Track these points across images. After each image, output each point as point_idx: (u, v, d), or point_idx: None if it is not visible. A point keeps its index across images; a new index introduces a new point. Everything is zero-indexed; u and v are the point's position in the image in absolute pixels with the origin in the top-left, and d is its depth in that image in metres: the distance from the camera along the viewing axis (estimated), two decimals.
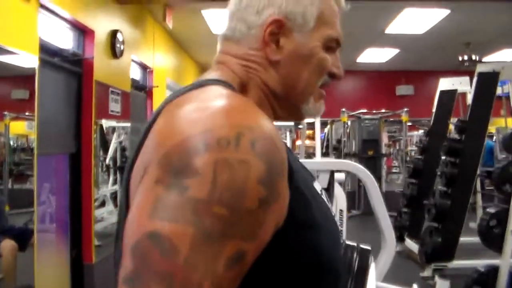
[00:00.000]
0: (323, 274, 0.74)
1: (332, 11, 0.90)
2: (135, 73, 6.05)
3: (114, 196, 5.06)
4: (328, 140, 11.56)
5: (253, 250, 0.63)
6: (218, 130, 0.63)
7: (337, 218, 4.46)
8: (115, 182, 5.10)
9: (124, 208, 0.74)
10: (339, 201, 4.45)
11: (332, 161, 5.28)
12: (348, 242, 1.38)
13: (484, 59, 8.64)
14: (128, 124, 5.37)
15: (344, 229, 4.53)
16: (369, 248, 1.39)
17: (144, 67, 6.43)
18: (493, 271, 4.11)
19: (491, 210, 4.44)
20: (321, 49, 0.88)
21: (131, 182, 0.72)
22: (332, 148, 11.06)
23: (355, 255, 1.34)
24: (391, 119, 11.51)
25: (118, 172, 5.21)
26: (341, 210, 4.53)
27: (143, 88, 6.37)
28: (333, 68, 0.91)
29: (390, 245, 2.27)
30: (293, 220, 0.69)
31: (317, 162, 3.17)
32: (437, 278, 2.75)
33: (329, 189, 2.45)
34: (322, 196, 0.90)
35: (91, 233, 4.35)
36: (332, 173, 2.55)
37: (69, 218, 4.28)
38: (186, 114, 0.69)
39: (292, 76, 0.88)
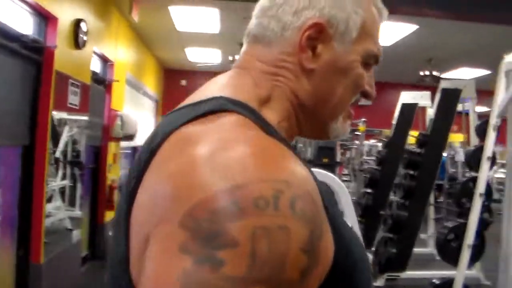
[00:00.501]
0: None
1: (375, 23, 0.81)
2: (95, 66, 5.84)
3: (62, 191, 4.84)
4: None
5: None
6: (253, 186, 0.54)
7: None
8: (64, 177, 4.89)
9: (123, 235, 0.64)
10: None
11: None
12: None
13: (443, 76, 8.86)
14: (80, 117, 5.15)
15: None
16: None
17: (105, 60, 6.22)
18: (448, 283, 4.16)
19: (449, 224, 4.52)
20: (359, 64, 0.79)
21: (133, 220, 0.62)
22: None
23: None
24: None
25: (68, 167, 5.00)
26: None
27: (102, 82, 6.16)
28: (367, 86, 0.81)
29: None
30: (337, 268, 0.60)
31: None
32: None
33: None
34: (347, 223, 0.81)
35: (41, 230, 4.13)
36: None
37: (17, 215, 4.04)
38: (206, 159, 0.57)
39: (325, 90, 0.78)
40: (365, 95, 0.82)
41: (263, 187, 0.54)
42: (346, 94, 0.80)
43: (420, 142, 5.25)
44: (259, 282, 0.50)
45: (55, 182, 4.69)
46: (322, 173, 2.59)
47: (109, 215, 6.44)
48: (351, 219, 2.42)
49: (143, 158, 0.64)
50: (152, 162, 0.63)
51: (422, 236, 6.79)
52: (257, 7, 0.81)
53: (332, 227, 0.60)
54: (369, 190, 6.96)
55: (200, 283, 0.49)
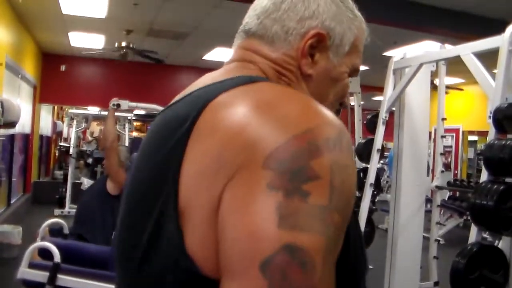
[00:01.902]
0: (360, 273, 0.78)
1: (362, 41, 0.91)
2: None
3: None
4: None
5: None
6: (321, 129, 0.62)
7: None
8: None
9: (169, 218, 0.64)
10: None
11: None
12: None
13: None
14: None
15: None
16: None
17: None
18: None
19: None
20: (347, 75, 0.89)
21: (187, 192, 0.63)
22: None
23: None
24: None
25: None
26: None
27: None
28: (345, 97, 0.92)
29: None
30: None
31: None
32: None
33: None
34: None
35: None
36: None
37: None
38: (270, 110, 0.64)
39: (320, 94, 0.85)
40: (343, 104, 0.93)
41: (331, 129, 0.63)
42: (335, 101, 0.89)
43: None
44: (337, 211, 0.59)
45: None
46: None
47: None
48: None
49: (178, 135, 0.67)
50: (193, 133, 0.66)
51: None
52: (258, 7, 0.86)
53: None
54: None
55: (293, 213, 0.56)
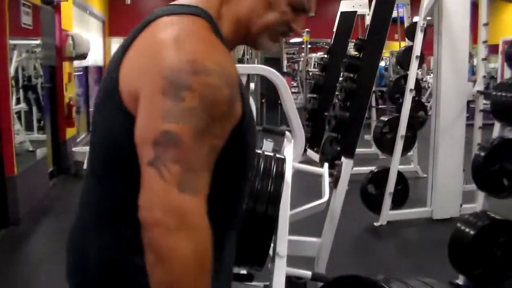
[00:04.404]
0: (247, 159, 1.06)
1: None
2: None
3: (19, 116, 4.99)
4: None
5: (220, 145, 0.92)
6: (204, 62, 0.89)
7: None
8: (18, 102, 5.02)
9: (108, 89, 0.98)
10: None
11: (248, 66, 5.64)
12: (266, 153, 1.73)
13: None
14: (29, 42, 5.24)
15: None
16: (283, 157, 1.76)
17: None
18: (385, 170, 4.73)
19: (384, 118, 5.03)
20: (286, 5, 1.04)
21: (123, 73, 0.96)
22: None
23: (272, 162, 1.69)
24: (291, 41, 11.89)
25: (21, 91, 5.14)
26: None
27: (50, 2, 6.20)
28: (294, 24, 1.08)
29: (300, 139, 2.67)
30: (240, 126, 0.97)
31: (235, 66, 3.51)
32: (342, 158, 3.14)
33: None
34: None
35: (12, 145, 4.42)
36: (248, 77, 2.84)
37: None
38: (180, 41, 0.92)
39: (252, 12, 1.04)
40: (292, 30, 1.09)
41: (210, 63, 0.90)
42: (272, 20, 1.07)
43: (358, 46, 5.64)
44: (204, 112, 0.87)
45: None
46: (264, 68, 2.95)
47: (70, 132, 6.70)
48: (289, 104, 2.77)
49: (129, 38, 0.99)
50: (137, 39, 0.96)
51: (366, 137, 7.37)
52: None
53: (242, 103, 0.97)
54: (314, 95, 7.43)
55: (172, 111, 0.86)
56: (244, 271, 1.98)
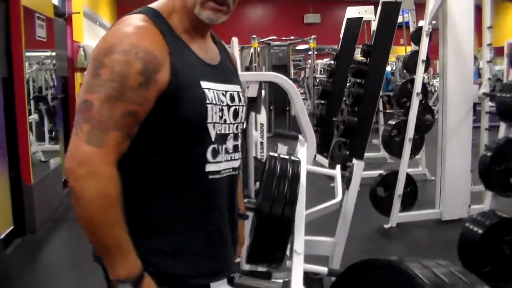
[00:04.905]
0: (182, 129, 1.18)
1: None
2: None
3: (29, 126, 4.99)
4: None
5: (141, 110, 1.10)
6: (119, 45, 1.09)
7: (258, 131, 4.99)
8: (29, 113, 5.01)
9: None
10: (261, 117, 4.97)
11: (260, 74, 5.73)
12: (282, 156, 1.81)
13: None
14: (41, 54, 5.34)
15: (264, 141, 5.08)
16: (298, 159, 1.83)
17: None
18: (394, 173, 4.80)
19: (392, 122, 5.10)
20: None
21: None
22: None
23: (288, 165, 1.77)
24: (298, 48, 11.99)
25: (32, 102, 5.15)
26: (261, 124, 5.06)
27: (62, 15, 6.34)
28: None
29: (311, 143, 2.76)
30: (165, 92, 1.13)
31: (247, 74, 3.59)
32: (353, 160, 3.20)
33: (257, 100, 2.83)
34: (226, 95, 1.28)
35: (28, 154, 4.52)
36: (260, 84, 2.94)
37: (5, 141, 4.41)
38: (112, 31, 1.15)
39: None
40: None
41: (124, 45, 1.09)
42: None
43: (365, 52, 5.74)
44: (114, 81, 1.06)
45: None
46: (276, 75, 3.04)
47: None
48: (300, 109, 2.85)
49: None
50: None
51: (374, 141, 7.41)
52: None
53: (172, 69, 1.13)
54: (322, 101, 7.52)
55: (92, 85, 1.07)
56: (263, 269, 2.07)
